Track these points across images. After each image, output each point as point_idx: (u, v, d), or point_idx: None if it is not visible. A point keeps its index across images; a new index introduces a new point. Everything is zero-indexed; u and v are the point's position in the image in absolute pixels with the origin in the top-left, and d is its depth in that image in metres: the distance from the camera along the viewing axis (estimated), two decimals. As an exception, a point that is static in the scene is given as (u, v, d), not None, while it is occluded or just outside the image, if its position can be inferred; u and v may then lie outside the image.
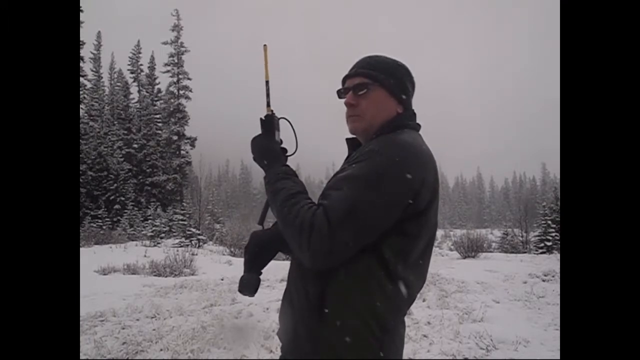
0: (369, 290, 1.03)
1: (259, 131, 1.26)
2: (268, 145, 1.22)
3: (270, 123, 1.26)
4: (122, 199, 27.26)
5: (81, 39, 27.06)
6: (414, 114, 1.24)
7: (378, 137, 1.13)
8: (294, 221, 1.01)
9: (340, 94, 1.25)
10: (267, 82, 1.31)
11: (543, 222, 17.55)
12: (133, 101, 33.53)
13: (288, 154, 1.27)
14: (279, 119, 1.28)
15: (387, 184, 1.00)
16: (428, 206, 1.07)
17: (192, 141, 32.45)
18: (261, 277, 1.24)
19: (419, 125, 1.23)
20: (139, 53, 34.37)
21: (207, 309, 5.92)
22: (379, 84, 1.19)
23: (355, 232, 0.99)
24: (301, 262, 1.06)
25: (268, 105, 1.29)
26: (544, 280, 8.18)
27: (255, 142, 1.25)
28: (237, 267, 11.70)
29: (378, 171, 1.01)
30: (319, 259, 0.99)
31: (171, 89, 32.45)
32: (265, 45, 1.33)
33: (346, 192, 1.01)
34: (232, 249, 16.58)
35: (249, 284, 1.20)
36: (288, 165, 1.21)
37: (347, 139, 1.30)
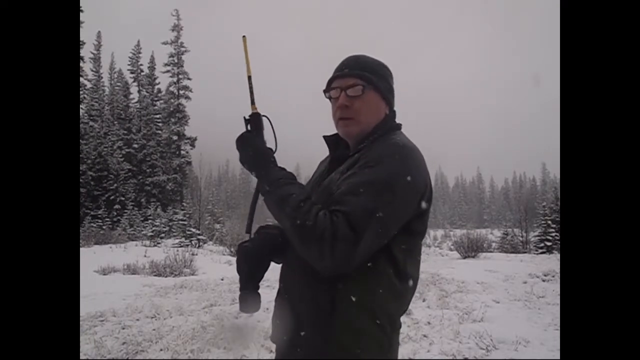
0: (381, 289, 1.04)
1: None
2: (259, 147, 1.14)
3: (258, 122, 1.17)
4: (122, 199, 27.25)
5: (81, 39, 27.06)
6: (395, 114, 1.25)
7: (380, 140, 1.12)
8: (313, 230, 0.97)
9: (329, 93, 1.21)
10: (249, 77, 1.20)
11: (543, 222, 17.56)
12: (133, 101, 33.52)
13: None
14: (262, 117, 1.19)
15: (402, 187, 1.02)
16: (429, 204, 1.12)
17: (192, 141, 32.45)
18: (260, 282, 1.19)
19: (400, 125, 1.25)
20: (139, 53, 34.36)
21: (207, 309, 5.92)
22: (373, 86, 1.17)
23: (377, 237, 1.00)
24: (306, 266, 1.03)
25: (252, 103, 1.19)
26: (544, 280, 8.18)
27: (245, 143, 1.14)
28: (237, 267, 11.66)
29: (393, 175, 1.02)
30: (342, 266, 0.98)
31: (171, 89, 32.45)
32: (244, 36, 1.19)
33: (366, 198, 0.99)
34: (232, 249, 16.56)
35: (250, 302, 1.16)
36: (285, 169, 1.15)
37: (327, 137, 1.26)
